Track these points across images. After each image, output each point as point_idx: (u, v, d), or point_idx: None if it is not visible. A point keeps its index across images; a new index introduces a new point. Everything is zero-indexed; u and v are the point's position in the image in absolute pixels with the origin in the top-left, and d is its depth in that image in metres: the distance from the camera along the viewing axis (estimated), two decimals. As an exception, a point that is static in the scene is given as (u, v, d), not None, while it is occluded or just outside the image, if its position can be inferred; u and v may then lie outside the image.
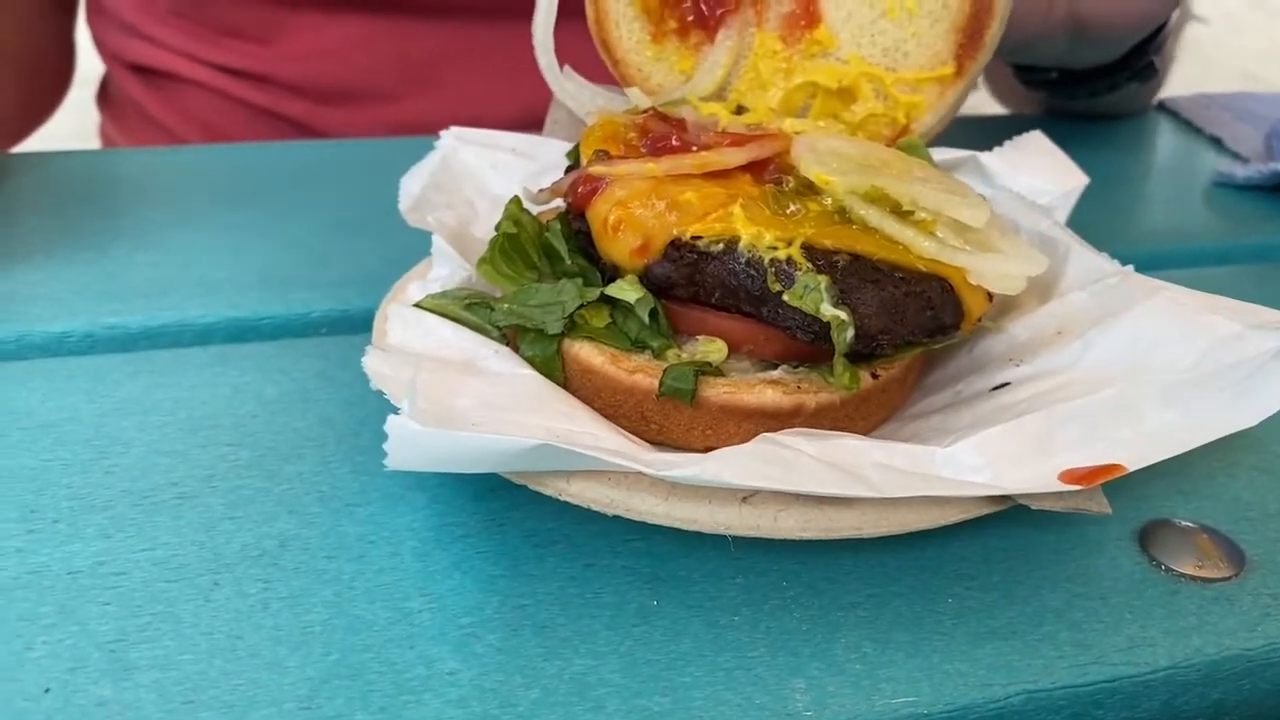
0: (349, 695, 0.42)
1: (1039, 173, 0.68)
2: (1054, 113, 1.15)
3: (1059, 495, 0.47)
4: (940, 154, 0.67)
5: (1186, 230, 0.91)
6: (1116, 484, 0.48)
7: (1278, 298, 0.77)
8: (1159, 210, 0.95)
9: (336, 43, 1.13)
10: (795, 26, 0.65)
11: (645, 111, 0.63)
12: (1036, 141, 0.70)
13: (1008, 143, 0.69)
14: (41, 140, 1.23)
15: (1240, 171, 0.97)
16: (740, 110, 0.66)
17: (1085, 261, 0.59)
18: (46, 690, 0.42)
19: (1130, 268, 0.58)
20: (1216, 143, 1.09)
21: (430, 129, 1.10)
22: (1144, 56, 0.98)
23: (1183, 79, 1.30)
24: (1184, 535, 0.52)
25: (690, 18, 0.66)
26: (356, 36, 1.13)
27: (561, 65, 0.66)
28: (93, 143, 1.34)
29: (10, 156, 0.91)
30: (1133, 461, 0.47)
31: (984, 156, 0.68)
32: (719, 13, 0.66)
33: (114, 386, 0.60)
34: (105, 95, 1.31)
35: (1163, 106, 1.19)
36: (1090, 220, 0.77)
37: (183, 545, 0.49)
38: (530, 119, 1.10)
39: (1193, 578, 0.50)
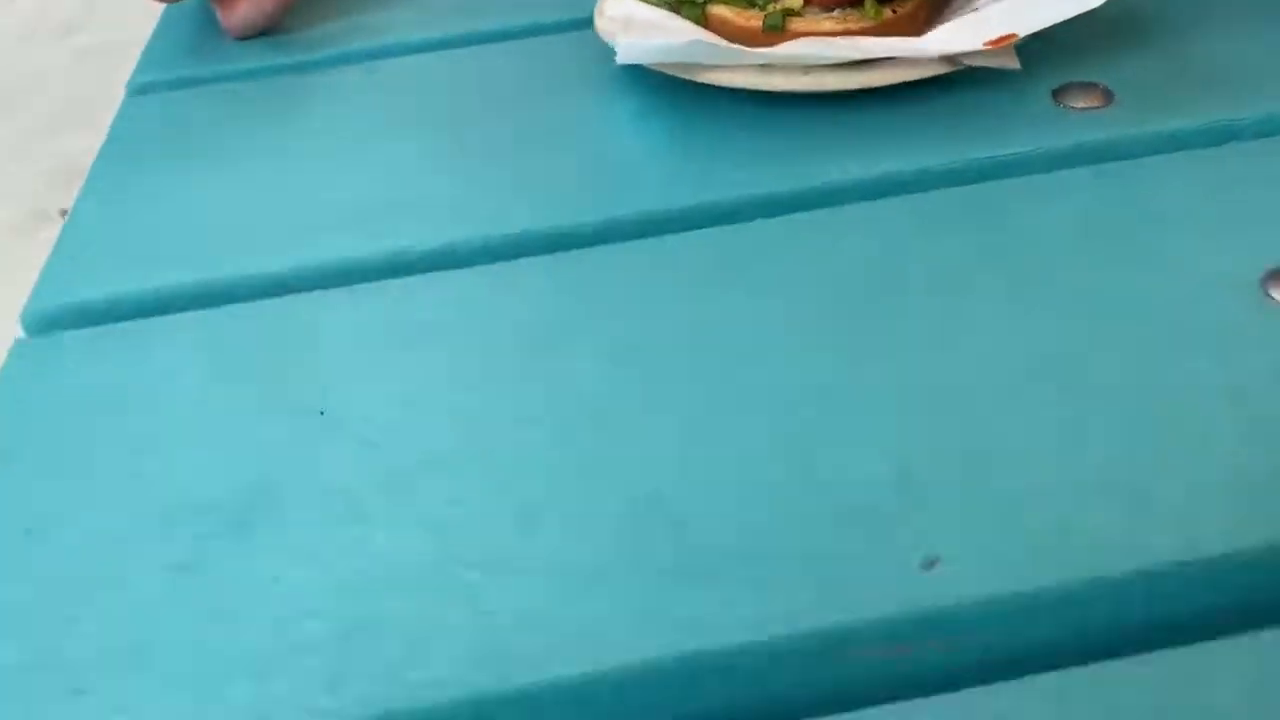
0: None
1: None
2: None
3: (984, 54, 0.82)
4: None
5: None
6: (1039, 54, 0.83)
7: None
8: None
9: None
10: None
11: None
12: None
13: None
14: None
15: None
16: None
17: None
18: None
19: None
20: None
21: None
22: None
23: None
24: (1085, 89, 0.86)
25: None
26: None
27: None
28: None
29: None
30: (1023, 30, 0.82)
31: None
32: None
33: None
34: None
35: None
36: None
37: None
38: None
39: (1081, 109, 0.84)
